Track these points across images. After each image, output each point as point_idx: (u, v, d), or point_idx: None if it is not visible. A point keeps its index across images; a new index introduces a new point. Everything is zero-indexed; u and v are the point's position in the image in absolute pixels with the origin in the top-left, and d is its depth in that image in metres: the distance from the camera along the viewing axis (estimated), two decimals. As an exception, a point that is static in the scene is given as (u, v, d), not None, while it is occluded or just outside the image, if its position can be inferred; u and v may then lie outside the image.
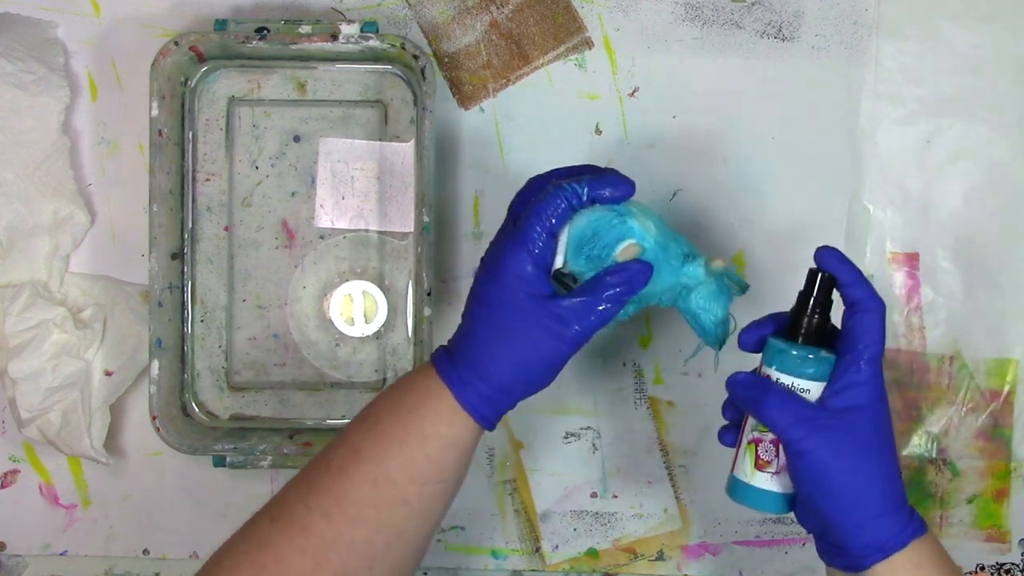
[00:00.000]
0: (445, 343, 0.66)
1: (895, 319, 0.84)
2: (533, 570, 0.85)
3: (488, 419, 0.64)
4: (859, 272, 0.64)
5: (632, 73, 0.84)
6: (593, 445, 0.84)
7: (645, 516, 0.84)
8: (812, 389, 0.63)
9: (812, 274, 0.65)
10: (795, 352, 0.64)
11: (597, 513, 0.84)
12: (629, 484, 0.84)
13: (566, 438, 0.84)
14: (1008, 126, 0.83)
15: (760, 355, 0.66)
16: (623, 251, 0.64)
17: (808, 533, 0.65)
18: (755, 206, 0.83)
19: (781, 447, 0.63)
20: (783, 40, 0.84)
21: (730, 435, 0.68)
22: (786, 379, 0.64)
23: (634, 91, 0.84)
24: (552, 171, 0.68)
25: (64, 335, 0.79)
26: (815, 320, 0.64)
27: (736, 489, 0.66)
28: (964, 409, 0.84)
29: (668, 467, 0.84)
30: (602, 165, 0.83)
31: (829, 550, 0.64)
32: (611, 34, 0.84)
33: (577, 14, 0.84)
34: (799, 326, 0.64)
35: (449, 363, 0.64)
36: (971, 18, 0.83)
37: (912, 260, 0.84)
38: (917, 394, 0.84)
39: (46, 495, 0.85)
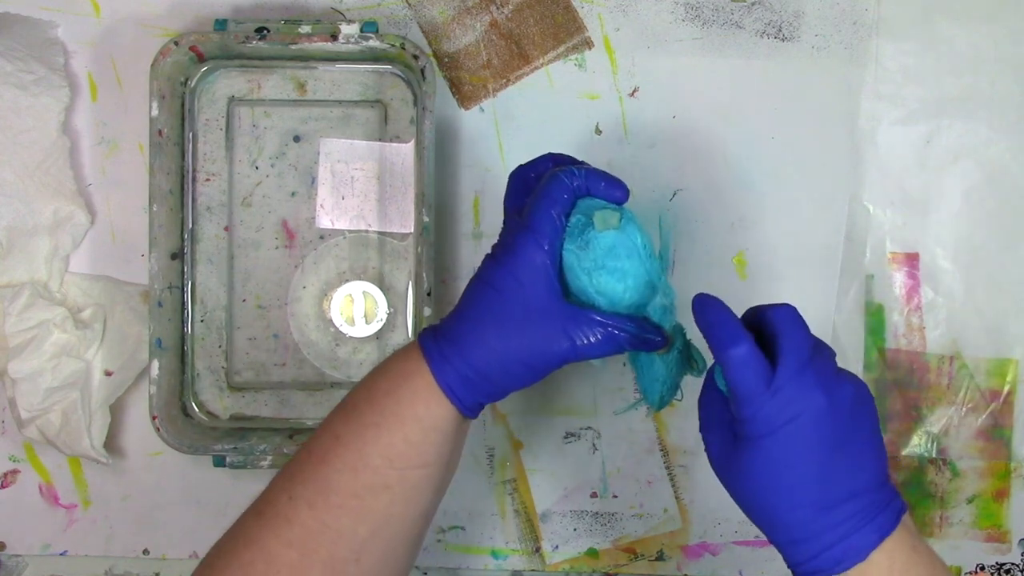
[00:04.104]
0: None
1: (895, 319, 0.84)
2: (533, 570, 0.85)
3: (464, 403, 0.62)
4: (719, 325, 0.58)
5: (632, 73, 0.84)
6: (593, 445, 0.84)
7: (645, 516, 0.84)
8: None
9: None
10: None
11: (597, 513, 0.84)
12: (629, 484, 0.84)
13: (566, 438, 0.84)
14: (1008, 126, 0.83)
15: None
16: (602, 217, 0.62)
17: None
18: (755, 206, 0.83)
19: None
20: (783, 40, 0.84)
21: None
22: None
23: (634, 91, 0.84)
24: (534, 160, 0.67)
25: (64, 335, 0.79)
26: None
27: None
28: (964, 409, 0.84)
29: (668, 467, 0.84)
30: (602, 165, 0.83)
31: None
32: (611, 34, 0.84)
33: (577, 14, 0.84)
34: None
35: (433, 339, 0.62)
36: (971, 18, 0.83)
37: (912, 260, 0.84)
38: (917, 394, 0.84)
39: (46, 495, 0.85)
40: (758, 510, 0.59)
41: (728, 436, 0.60)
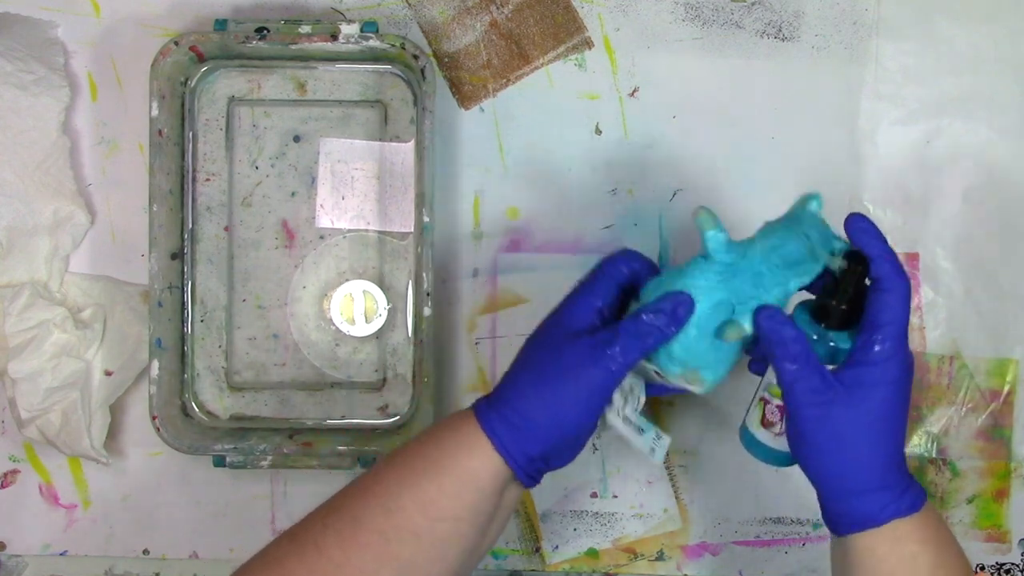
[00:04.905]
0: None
1: (895, 319, 0.84)
2: (533, 570, 0.85)
3: (511, 453, 0.62)
4: (884, 246, 0.63)
5: (632, 73, 0.84)
6: (593, 445, 0.84)
7: (645, 516, 0.84)
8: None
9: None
10: (812, 335, 0.64)
11: (597, 513, 0.84)
12: (629, 484, 0.84)
13: (566, 438, 0.84)
14: (1008, 126, 0.83)
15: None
16: (732, 329, 0.63)
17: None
18: (755, 206, 0.83)
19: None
20: (783, 40, 0.84)
21: (757, 365, 0.71)
22: None
23: (634, 91, 0.84)
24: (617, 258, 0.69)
25: (64, 335, 0.79)
26: (835, 307, 0.64)
27: (744, 436, 0.70)
28: (964, 409, 0.84)
29: (668, 467, 0.84)
30: (602, 165, 0.83)
31: (820, 505, 0.65)
32: (611, 34, 0.84)
33: (577, 14, 0.84)
34: (823, 309, 0.64)
35: (485, 398, 0.64)
36: (971, 18, 0.83)
37: (912, 260, 0.84)
38: (917, 394, 0.84)
39: (46, 495, 0.85)
40: (852, 457, 0.61)
41: (815, 390, 0.62)
